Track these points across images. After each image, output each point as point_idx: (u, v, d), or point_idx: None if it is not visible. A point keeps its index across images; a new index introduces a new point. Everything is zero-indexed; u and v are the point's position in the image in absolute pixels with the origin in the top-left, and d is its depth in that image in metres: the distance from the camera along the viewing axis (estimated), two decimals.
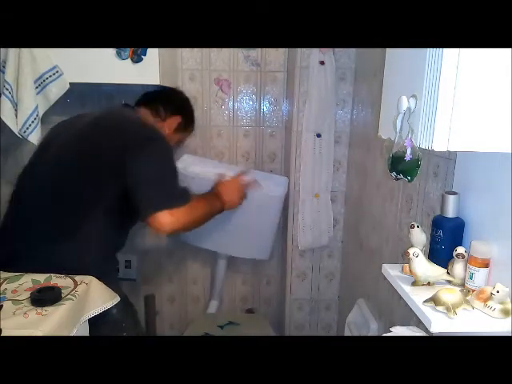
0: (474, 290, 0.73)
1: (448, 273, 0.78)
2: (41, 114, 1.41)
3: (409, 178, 0.73)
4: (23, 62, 1.34)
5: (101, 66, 1.38)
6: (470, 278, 0.74)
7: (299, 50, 1.52)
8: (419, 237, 0.86)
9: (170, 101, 1.38)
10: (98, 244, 1.19)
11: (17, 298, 0.95)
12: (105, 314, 1.06)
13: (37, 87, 1.39)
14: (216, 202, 1.38)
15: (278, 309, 1.97)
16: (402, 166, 0.73)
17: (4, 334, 0.80)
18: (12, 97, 1.36)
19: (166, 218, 1.14)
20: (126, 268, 1.84)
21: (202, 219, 1.30)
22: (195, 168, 1.62)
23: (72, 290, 0.99)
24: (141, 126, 1.24)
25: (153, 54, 1.38)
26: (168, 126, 1.36)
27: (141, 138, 1.18)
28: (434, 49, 0.60)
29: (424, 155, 0.78)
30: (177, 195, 1.20)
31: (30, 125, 1.38)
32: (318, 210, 1.67)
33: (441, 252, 0.81)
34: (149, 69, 1.39)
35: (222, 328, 1.65)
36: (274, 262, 1.94)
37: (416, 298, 0.73)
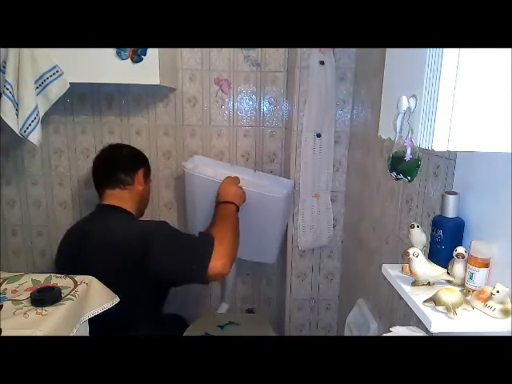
0: (473, 290, 0.73)
1: (448, 273, 0.78)
2: (41, 114, 1.41)
3: (409, 178, 0.73)
4: (23, 61, 1.34)
5: (101, 66, 1.38)
6: (470, 278, 0.74)
7: (299, 50, 1.52)
8: (419, 237, 0.86)
9: (124, 164, 1.47)
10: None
11: (17, 298, 0.95)
12: None
13: (37, 87, 1.39)
14: (230, 210, 1.43)
15: (278, 309, 1.97)
16: (402, 166, 0.73)
17: (4, 333, 0.80)
18: (13, 96, 1.36)
19: (217, 262, 1.22)
20: None
21: (234, 232, 1.36)
22: (204, 169, 1.64)
23: (72, 290, 0.99)
24: (139, 225, 1.36)
25: (153, 53, 1.38)
26: (139, 182, 1.47)
27: (145, 233, 1.27)
28: (434, 49, 0.60)
29: (424, 155, 0.78)
30: (202, 242, 1.27)
31: (30, 124, 1.38)
32: (318, 210, 1.67)
33: (441, 252, 0.81)
34: (149, 69, 1.39)
35: (222, 328, 1.65)
36: (274, 262, 1.94)
37: (416, 297, 0.73)
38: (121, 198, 1.43)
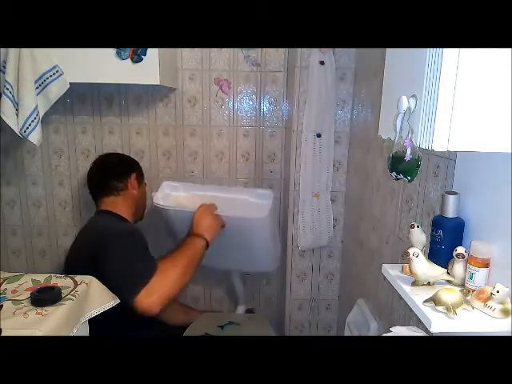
0: (473, 290, 0.73)
1: (448, 273, 0.78)
2: (41, 114, 1.41)
3: (409, 178, 0.73)
4: (23, 61, 1.34)
5: (101, 66, 1.38)
6: (470, 278, 0.74)
7: (299, 50, 1.52)
8: (419, 237, 0.86)
9: (115, 170, 1.49)
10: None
11: (17, 298, 0.95)
12: None
13: (37, 87, 1.39)
14: (195, 244, 1.35)
15: (278, 309, 1.97)
16: (402, 166, 0.73)
17: (4, 333, 0.80)
18: (13, 96, 1.36)
19: (146, 299, 1.15)
20: None
21: (185, 270, 1.27)
22: (174, 198, 1.60)
23: (72, 290, 0.99)
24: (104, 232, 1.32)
25: (153, 53, 1.38)
26: (132, 187, 1.49)
27: (101, 242, 1.26)
28: (434, 49, 0.60)
29: (424, 155, 0.78)
30: (138, 273, 1.19)
31: (30, 124, 1.38)
32: (318, 210, 1.67)
33: (441, 252, 0.81)
34: (149, 69, 1.39)
35: (222, 328, 1.65)
36: (276, 268, 1.94)
37: (416, 297, 0.73)
38: (115, 203, 1.46)
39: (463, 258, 0.75)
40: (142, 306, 1.16)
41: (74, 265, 1.32)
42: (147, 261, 1.24)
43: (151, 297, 1.16)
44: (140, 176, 1.55)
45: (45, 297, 0.92)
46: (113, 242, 1.26)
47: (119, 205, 1.46)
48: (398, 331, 0.81)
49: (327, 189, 1.66)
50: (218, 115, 1.79)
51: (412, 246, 0.80)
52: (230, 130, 1.80)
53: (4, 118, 1.36)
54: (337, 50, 1.54)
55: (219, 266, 1.68)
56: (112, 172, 1.49)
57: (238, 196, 1.62)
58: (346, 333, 1.46)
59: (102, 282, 1.10)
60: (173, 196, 1.63)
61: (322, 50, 1.51)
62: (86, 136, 1.79)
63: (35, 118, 1.38)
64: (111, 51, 1.36)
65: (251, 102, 1.78)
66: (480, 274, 0.73)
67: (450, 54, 0.58)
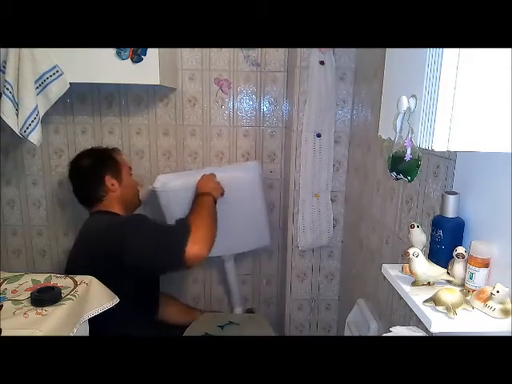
0: (473, 290, 0.73)
1: (448, 273, 0.78)
2: (41, 114, 1.41)
3: (409, 178, 0.73)
4: (23, 61, 1.34)
5: (101, 66, 1.38)
6: (470, 278, 0.74)
7: (299, 50, 1.52)
8: (419, 237, 0.86)
9: (87, 182, 1.49)
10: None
11: (17, 298, 0.95)
12: None
13: (37, 87, 1.39)
14: (207, 200, 1.45)
15: (278, 309, 1.97)
16: (402, 165, 0.73)
17: (4, 334, 0.80)
18: (13, 96, 1.36)
19: (194, 247, 1.25)
20: None
21: (211, 219, 1.39)
22: (173, 183, 1.63)
23: (72, 290, 0.99)
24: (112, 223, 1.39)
25: (153, 53, 1.38)
26: (112, 188, 1.48)
27: (120, 226, 1.34)
28: (434, 49, 0.60)
29: (424, 155, 0.78)
30: (178, 228, 1.30)
31: (30, 124, 1.38)
32: (318, 210, 1.67)
33: (441, 252, 0.81)
34: (149, 69, 1.39)
35: (222, 328, 1.65)
36: (274, 261, 1.95)
37: (416, 297, 0.73)
38: (104, 206, 1.48)
39: (463, 258, 0.75)
40: (194, 253, 1.24)
41: (83, 264, 1.30)
42: (175, 223, 1.34)
43: (199, 243, 1.26)
44: (115, 172, 1.50)
45: (45, 297, 0.92)
46: (131, 225, 1.33)
47: (108, 206, 1.48)
48: (398, 331, 0.81)
49: (327, 189, 1.66)
50: (218, 115, 1.79)
51: (412, 246, 0.80)
52: (229, 129, 1.80)
53: (4, 117, 1.36)
54: (337, 49, 1.54)
55: (212, 253, 1.70)
56: (85, 185, 1.50)
57: (229, 170, 1.71)
58: (346, 333, 1.46)
59: (132, 264, 1.22)
60: (169, 184, 1.64)
61: (322, 50, 1.51)
62: (86, 136, 1.79)
63: (35, 118, 1.38)
64: (111, 51, 1.36)
65: (251, 102, 1.78)
66: (480, 274, 0.73)
67: (449, 54, 0.58)
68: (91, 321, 1.03)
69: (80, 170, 1.51)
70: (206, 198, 1.46)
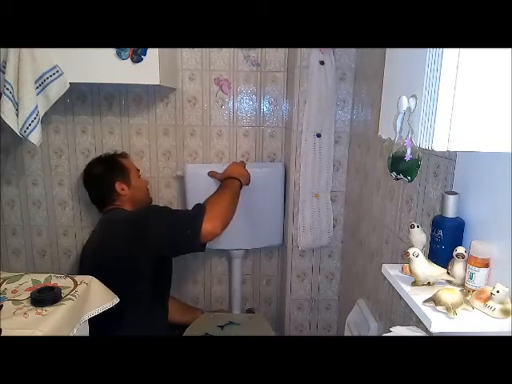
0: (473, 290, 0.73)
1: (448, 273, 0.78)
2: (41, 114, 1.41)
3: (409, 178, 0.73)
4: (23, 61, 1.34)
5: (101, 65, 1.38)
6: (470, 278, 0.74)
7: (299, 50, 1.52)
8: (419, 237, 0.86)
9: (100, 190, 1.60)
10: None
11: (17, 298, 0.95)
12: None
13: (37, 87, 1.38)
14: (232, 183, 1.53)
15: (278, 309, 1.97)
16: (402, 165, 0.73)
17: (4, 333, 0.80)
18: (13, 96, 1.36)
19: (208, 223, 1.31)
20: None
21: (230, 199, 1.46)
22: (201, 171, 1.71)
23: (72, 290, 0.99)
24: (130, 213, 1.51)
25: (153, 53, 1.38)
26: (123, 193, 1.57)
27: (138, 215, 1.42)
28: (434, 49, 0.60)
29: (424, 155, 0.78)
30: (194, 210, 1.37)
31: (30, 124, 1.37)
32: (318, 210, 1.67)
33: (441, 252, 0.81)
34: (149, 69, 1.39)
35: (222, 328, 1.65)
36: (274, 261, 1.95)
37: (416, 297, 0.73)
38: (116, 205, 1.57)
39: (463, 258, 0.75)
40: (208, 230, 1.31)
41: (104, 257, 1.37)
42: (193, 207, 1.39)
43: (213, 219, 1.32)
44: (124, 177, 1.60)
45: (45, 297, 0.92)
46: (151, 209, 1.44)
47: (121, 206, 1.57)
48: (398, 331, 0.81)
49: (327, 189, 1.66)
50: (217, 115, 1.78)
51: (412, 246, 0.80)
52: (229, 129, 1.80)
53: (4, 117, 1.36)
54: (337, 49, 1.54)
55: (224, 245, 1.76)
56: (98, 192, 1.62)
57: (255, 166, 1.77)
58: (346, 333, 1.46)
59: (154, 246, 1.32)
60: (198, 171, 1.72)
61: (322, 50, 1.51)
62: (86, 136, 1.79)
63: (35, 118, 1.38)
64: (111, 51, 1.36)
65: (251, 102, 1.78)
66: (480, 274, 0.73)
67: (449, 54, 0.58)
68: (91, 321, 1.03)
69: (92, 178, 1.63)
70: (233, 180, 1.54)
